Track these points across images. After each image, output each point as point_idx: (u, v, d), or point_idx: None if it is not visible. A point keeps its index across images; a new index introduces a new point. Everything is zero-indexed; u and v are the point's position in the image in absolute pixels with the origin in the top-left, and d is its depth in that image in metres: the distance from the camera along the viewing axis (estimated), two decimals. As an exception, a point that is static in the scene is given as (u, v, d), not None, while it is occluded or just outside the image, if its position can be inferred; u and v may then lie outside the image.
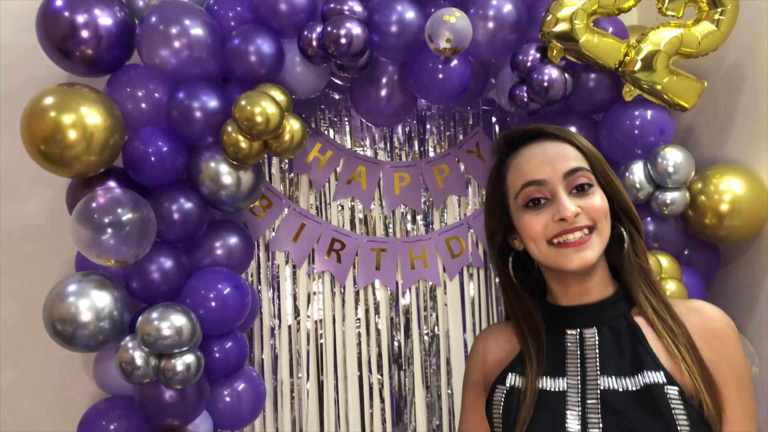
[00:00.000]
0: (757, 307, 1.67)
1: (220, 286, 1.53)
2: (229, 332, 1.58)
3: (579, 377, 0.97)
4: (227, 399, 1.62)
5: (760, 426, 1.60)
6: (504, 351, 1.07)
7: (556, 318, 1.03)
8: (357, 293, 1.94)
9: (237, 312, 1.55)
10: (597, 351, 0.97)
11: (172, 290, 1.52)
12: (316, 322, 1.92)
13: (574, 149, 0.99)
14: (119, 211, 1.39)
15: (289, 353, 1.90)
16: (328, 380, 1.91)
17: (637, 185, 1.60)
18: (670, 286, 1.52)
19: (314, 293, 1.91)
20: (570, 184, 0.96)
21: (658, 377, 0.93)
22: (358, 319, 1.94)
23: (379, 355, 1.94)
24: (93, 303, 1.42)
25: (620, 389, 0.94)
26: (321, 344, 1.92)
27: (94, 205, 1.39)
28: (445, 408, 1.94)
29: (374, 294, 1.95)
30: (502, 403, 1.01)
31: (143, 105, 1.53)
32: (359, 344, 1.94)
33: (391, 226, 1.96)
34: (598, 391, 0.95)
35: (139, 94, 1.52)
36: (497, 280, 1.07)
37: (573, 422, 0.94)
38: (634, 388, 0.94)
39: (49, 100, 1.38)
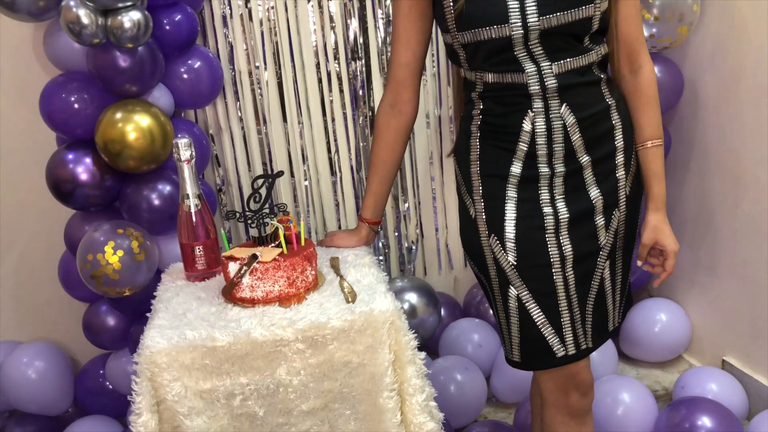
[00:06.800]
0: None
1: (158, -51, 1.48)
2: (175, 3, 1.56)
3: None
4: (184, 76, 1.66)
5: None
6: None
7: None
8: (308, -22, 1.89)
9: (180, -23, 1.51)
10: None
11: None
12: (268, 9, 1.89)
13: None
14: None
15: (244, 43, 1.89)
16: (285, 69, 1.94)
17: None
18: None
19: (263, -22, 1.86)
20: None
21: None
22: (311, 6, 1.91)
23: (335, 44, 1.95)
24: (26, -35, 1.38)
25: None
26: (276, 32, 1.91)
27: None
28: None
29: (326, -22, 1.90)
30: None
31: None
32: (314, 32, 1.93)
33: None
34: None
35: None
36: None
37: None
38: None
39: None
